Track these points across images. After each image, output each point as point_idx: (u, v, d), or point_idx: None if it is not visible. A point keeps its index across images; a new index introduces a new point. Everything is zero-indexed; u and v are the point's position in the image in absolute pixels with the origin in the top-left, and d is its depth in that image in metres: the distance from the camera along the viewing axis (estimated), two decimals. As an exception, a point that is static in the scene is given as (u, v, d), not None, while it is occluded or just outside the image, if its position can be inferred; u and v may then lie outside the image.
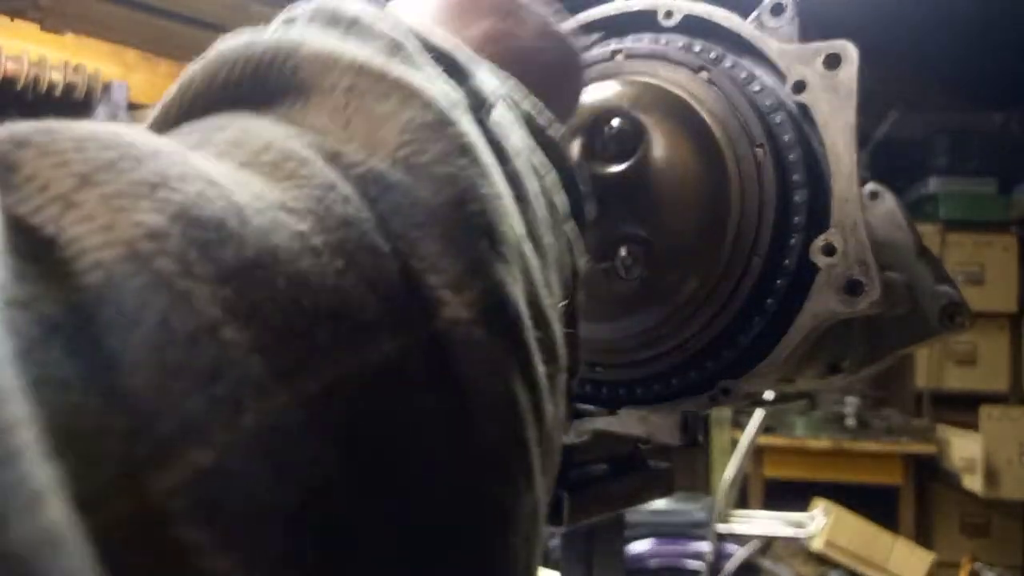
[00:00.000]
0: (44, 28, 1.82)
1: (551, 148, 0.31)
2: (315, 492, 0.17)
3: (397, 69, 0.23)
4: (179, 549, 0.15)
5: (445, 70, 0.26)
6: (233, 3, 1.78)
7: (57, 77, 1.82)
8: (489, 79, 0.28)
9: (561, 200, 0.31)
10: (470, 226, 0.22)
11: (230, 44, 0.24)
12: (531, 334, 0.23)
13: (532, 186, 0.27)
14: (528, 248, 0.25)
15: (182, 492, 0.15)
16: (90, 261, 0.16)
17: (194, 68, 0.24)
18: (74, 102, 1.83)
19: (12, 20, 1.79)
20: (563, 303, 0.29)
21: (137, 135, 0.19)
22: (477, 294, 0.21)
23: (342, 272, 0.19)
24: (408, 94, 0.23)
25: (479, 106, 0.26)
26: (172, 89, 0.25)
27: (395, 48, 0.25)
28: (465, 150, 0.23)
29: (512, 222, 0.24)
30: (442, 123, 0.23)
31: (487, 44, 0.34)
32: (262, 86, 0.23)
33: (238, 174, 0.20)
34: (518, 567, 0.22)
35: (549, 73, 0.37)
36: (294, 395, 0.17)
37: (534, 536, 0.23)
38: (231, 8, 1.81)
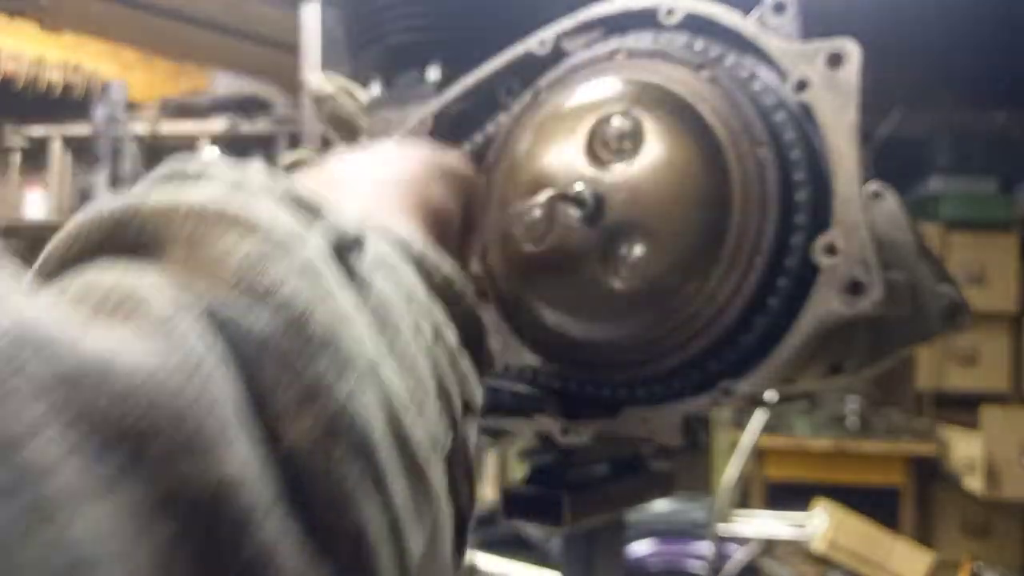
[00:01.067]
0: (43, 28, 1.82)
1: (443, 289, 0.32)
2: None
3: (234, 205, 0.24)
4: None
5: (297, 210, 0.26)
6: (231, 2, 1.78)
7: (56, 77, 1.82)
8: (349, 218, 0.28)
9: (451, 334, 0.31)
10: (310, 345, 0.22)
11: (80, 217, 0.25)
12: (388, 457, 0.23)
13: (405, 318, 0.27)
14: (389, 370, 0.25)
15: None
16: None
17: (50, 245, 0.25)
18: (73, 101, 1.83)
19: (11, 19, 1.79)
20: (451, 435, 0.29)
21: None
22: (316, 416, 0.21)
23: (180, 389, 0.19)
24: (246, 228, 0.23)
25: (338, 241, 0.26)
26: (33, 269, 0.25)
27: (235, 187, 0.25)
28: (304, 272, 0.23)
29: (362, 342, 0.24)
30: (280, 249, 0.23)
31: (378, 199, 0.36)
32: (116, 252, 0.24)
33: (80, 319, 0.20)
34: None
35: (439, 214, 0.39)
36: (116, 508, 0.17)
37: None
38: (229, 7, 1.81)
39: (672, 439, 0.49)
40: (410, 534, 0.23)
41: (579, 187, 0.47)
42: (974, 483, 2.93)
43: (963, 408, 3.11)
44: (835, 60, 0.45)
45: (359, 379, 0.22)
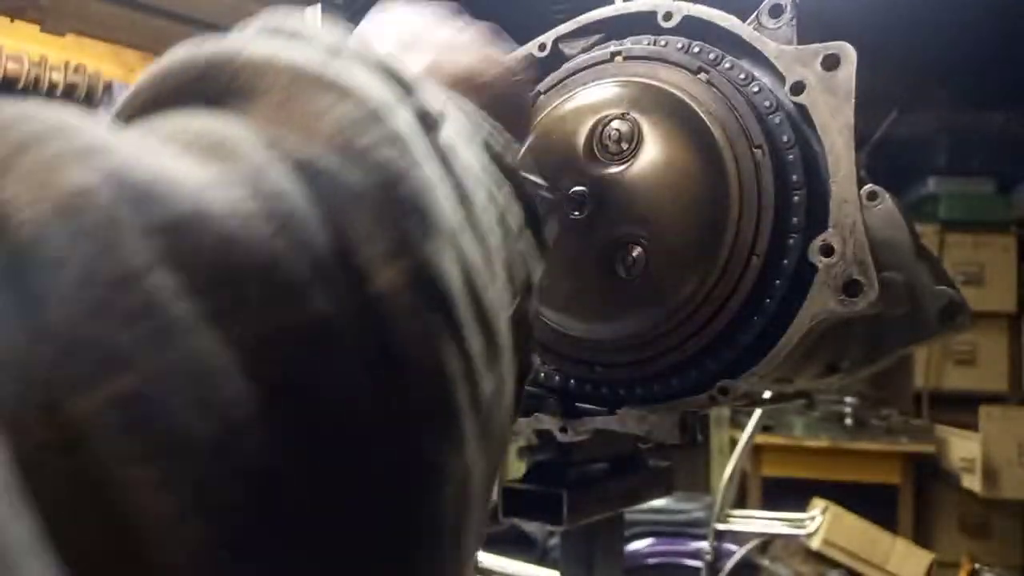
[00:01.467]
0: (44, 29, 1.81)
1: (509, 172, 0.33)
2: (237, 430, 0.18)
3: (334, 69, 0.25)
4: (95, 465, 0.16)
5: (388, 82, 0.27)
6: (233, 3, 1.78)
7: (57, 77, 1.82)
8: (434, 97, 0.29)
9: (515, 213, 0.32)
10: (401, 205, 0.23)
11: (175, 54, 0.25)
12: (465, 310, 0.24)
13: (479, 194, 0.28)
14: (467, 238, 0.26)
15: (101, 415, 0.16)
16: (23, 217, 0.18)
17: (141, 79, 0.26)
18: (75, 102, 1.83)
19: (12, 21, 1.79)
20: (514, 305, 0.31)
21: (74, 115, 0.20)
22: (408, 266, 0.22)
23: (273, 236, 0.20)
24: (344, 91, 0.24)
25: (423, 117, 0.27)
26: (122, 99, 0.26)
27: (334, 52, 0.26)
28: (396, 141, 0.24)
29: (446, 210, 0.25)
30: (376, 116, 0.24)
31: (434, 74, 0.36)
32: (205, 92, 0.24)
33: (173, 157, 0.21)
34: (444, 528, 0.23)
35: (496, 100, 0.38)
36: (222, 338, 0.18)
37: (464, 502, 0.24)
38: (231, 8, 1.80)
39: (670, 437, 0.49)
40: (482, 379, 0.25)
41: (578, 188, 0.48)
42: (972, 483, 2.94)
43: (961, 408, 3.12)
44: (832, 62, 0.46)
45: (442, 242, 0.24)
